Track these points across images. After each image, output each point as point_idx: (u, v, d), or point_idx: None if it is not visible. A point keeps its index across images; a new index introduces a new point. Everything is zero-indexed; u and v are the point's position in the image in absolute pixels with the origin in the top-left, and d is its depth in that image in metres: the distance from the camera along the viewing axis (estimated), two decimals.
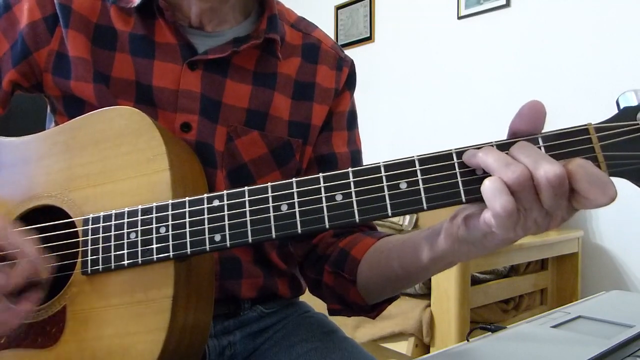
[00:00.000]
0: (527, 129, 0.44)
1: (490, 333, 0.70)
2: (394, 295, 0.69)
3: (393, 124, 2.89)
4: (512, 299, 1.94)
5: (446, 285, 1.59)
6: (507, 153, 0.43)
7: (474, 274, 1.72)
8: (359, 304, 0.68)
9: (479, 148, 0.44)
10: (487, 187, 0.42)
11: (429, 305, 1.66)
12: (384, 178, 0.45)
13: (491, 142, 0.44)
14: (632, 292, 1.94)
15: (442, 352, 0.64)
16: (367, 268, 0.66)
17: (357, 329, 1.78)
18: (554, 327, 0.73)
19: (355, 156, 0.78)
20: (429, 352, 1.64)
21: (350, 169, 0.47)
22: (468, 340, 0.67)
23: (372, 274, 0.65)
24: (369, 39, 3.04)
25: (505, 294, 1.86)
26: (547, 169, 0.40)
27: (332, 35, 3.20)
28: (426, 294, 1.67)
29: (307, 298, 0.81)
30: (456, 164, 0.44)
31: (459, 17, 2.60)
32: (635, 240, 2.05)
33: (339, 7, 3.20)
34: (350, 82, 0.78)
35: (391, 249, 0.64)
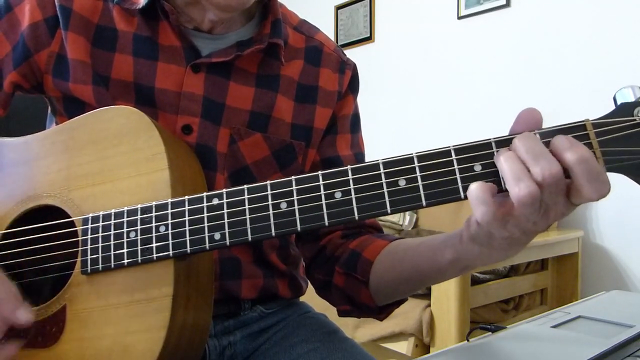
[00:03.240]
0: (525, 130, 0.44)
1: (490, 333, 0.70)
2: (404, 297, 0.69)
3: (393, 123, 2.89)
4: (512, 299, 1.94)
5: (446, 285, 1.59)
6: (509, 148, 0.43)
7: (474, 274, 1.72)
8: (368, 306, 0.68)
9: (473, 144, 0.44)
10: (471, 194, 0.43)
11: (429, 305, 1.66)
12: (382, 175, 0.46)
13: (489, 139, 0.44)
14: (632, 292, 1.94)
15: (442, 352, 0.64)
16: (381, 269, 0.66)
17: (357, 329, 1.78)
18: (554, 327, 0.72)
19: (359, 159, 0.78)
20: (429, 352, 1.64)
21: (349, 167, 0.47)
22: (468, 340, 0.67)
23: (386, 276, 0.65)
24: (369, 39, 3.04)
25: (505, 294, 1.86)
26: (543, 165, 0.40)
27: (332, 35, 3.20)
28: (426, 294, 1.67)
29: (308, 298, 0.81)
30: (454, 161, 0.44)
31: (459, 17, 2.60)
32: (635, 240, 2.05)
33: (339, 7, 3.20)
34: (353, 85, 0.78)
35: (406, 250, 0.64)
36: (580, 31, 2.19)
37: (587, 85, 2.14)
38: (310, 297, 0.78)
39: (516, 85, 2.38)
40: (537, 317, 0.78)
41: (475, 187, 0.43)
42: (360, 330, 1.78)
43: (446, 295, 1.60)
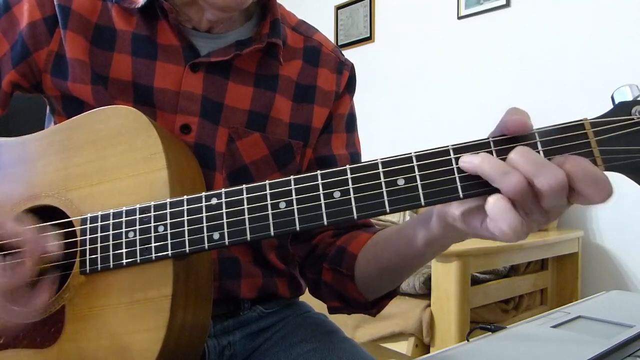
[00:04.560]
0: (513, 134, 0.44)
1: (490, 333, 0.70)
2: (393, 289, 0.69)
3: (393, 123, 2.89)
4: (512, 299, 1.94)
5: (446, 285, 1.59)
6: (504, 158, 0.43)
7: (474, 274, 1.72)
8: (358, 300, 0.69)
9: (475, 152, 0.44)
10: (493, 206, 0.42)
11: (429, 305, 1.66)
12: (381, 174, 0.45)
13: (487, 138, 0.44)
14: (632, 292, 1.94)
15: (442, 352, 0.64)
16: (365, 261, 0.66)
17: (357, 329, 1.78)
18: (554, 327, 0.72)
19: (354, 158, 0.78)
20: (429, 352, 1.64)
21: (348, 166, 0.47)
22: (468, 340, 0.67)
23: (370, 267, 0.66)
24: (369, 39, 3.04)
25: (505, 294, 1.86)
26: (548, 175, 0.40)
27: (332, 35, 3.20)
28: (426, 294, 1.67)
29: (307, 298, 0.81)
30: (453, 160, 0.44)
31: (459, 17, 2.60)
32: (635, 240, 2.05)
33: (339, 7, 3.20)
34: (350, 85, 0.79)
35: (387, 239, 0.65)
36: (579, 31, 2.19)
37: (587, 85, 2.14)
38: (310, 297, 0.78)
39: (516, 85, 2.38)
40: (537, 317, 0.78)
41: (495, 200, 0.42)
42: (360, 330, 1.78)
43: (446, 295, 1.59)
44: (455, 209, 0.48)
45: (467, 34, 2.58)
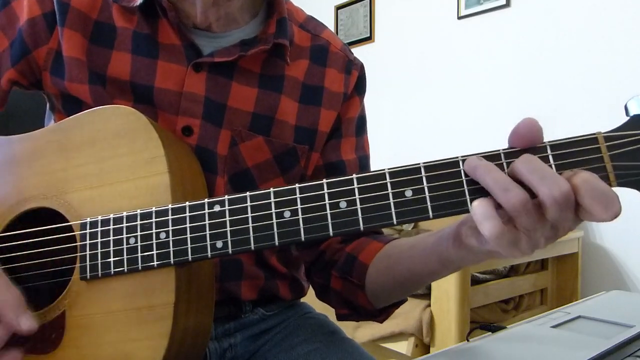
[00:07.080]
0: (524, 146, 0.43)
1: (490, 333, 0.70)
2: (401, 299, 0.69)
3: (393, 124, 2.88)
4: (512, 299, 1.94)
5: (446, 285, 1.59)
6: (510, 162, 0.42)
7: (474, 274, 1.72)
8: (366, 309, 0.68)
9: (483, 156, 0.43)
10: (475, 210, 0.41)
11: (429, 305, 1.66)
12: (389, 185, 0.44)
13: (498, 150, 0.43)
14: (632, 292, 1.94)
15: (442, 352, 0.64)
16: (376, 273, 0.65)
17: (357, 329, 1.78)
18: (554, 327, 0.72)
19: (363, 162, 0.76)
20: (429, 352, 1.64)
21: (354, 176, 0.45)
22: (468, 340, 0.67)
23: (381, 279, 0.65)
24: (369, 39, 3.03)
25: (505, 294, 1.86)
26: (551, 186, 0.39)
27: None
28: (426, 294, 1.67)
29: (308, 299, 0.81)
30: (462, 172, 0.43)
31: (459, 17, 2.59)
32: (635, 240, 2.05)
33: (339, 7, 3.19)
34: (359, 86, 0.77)
35: (400, 253, 0.63)
36: (580, 31, 2.18)
37: (588, 86, 2.14)
38: (312, 298, 0.78)
39: (516, 86, 2.37)
40: (537, 317, 0.78)
41: (478, 205, 0.41)
42: (360, 331, 1.78)
43: (446, 295, 1.59)
44: (470, 225, 0.47)
45: (467, 34, 2.57)
